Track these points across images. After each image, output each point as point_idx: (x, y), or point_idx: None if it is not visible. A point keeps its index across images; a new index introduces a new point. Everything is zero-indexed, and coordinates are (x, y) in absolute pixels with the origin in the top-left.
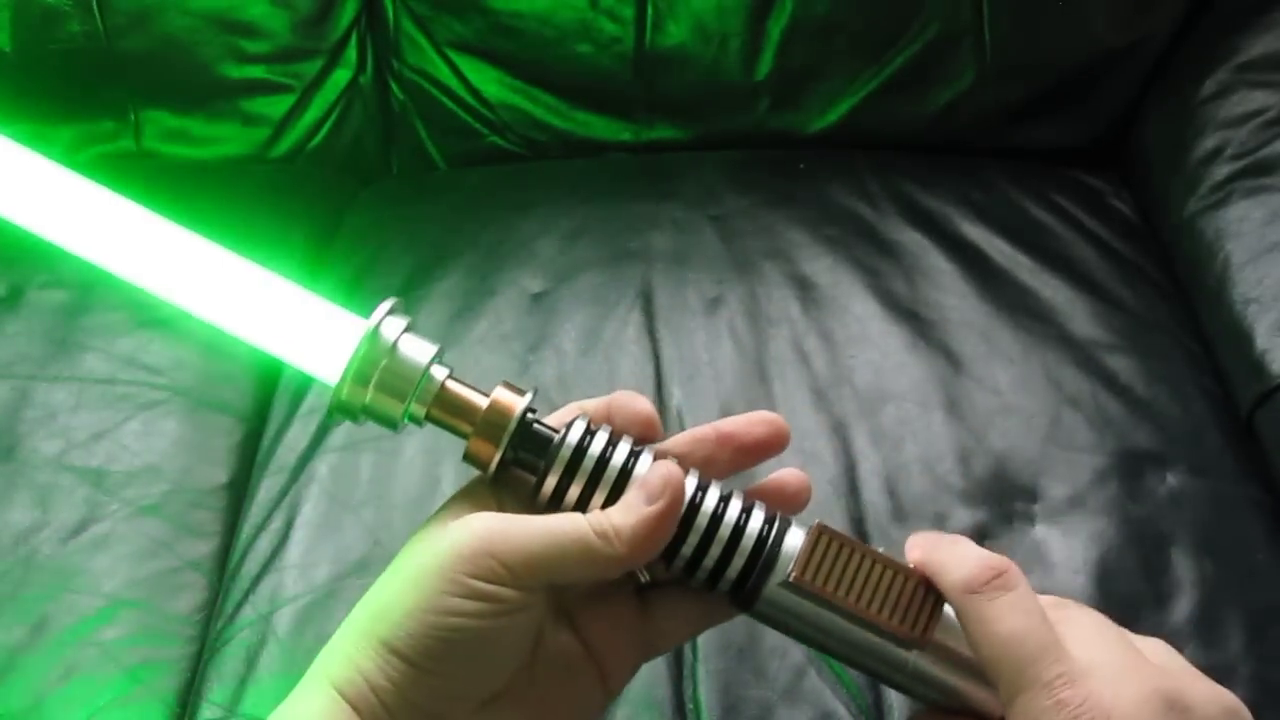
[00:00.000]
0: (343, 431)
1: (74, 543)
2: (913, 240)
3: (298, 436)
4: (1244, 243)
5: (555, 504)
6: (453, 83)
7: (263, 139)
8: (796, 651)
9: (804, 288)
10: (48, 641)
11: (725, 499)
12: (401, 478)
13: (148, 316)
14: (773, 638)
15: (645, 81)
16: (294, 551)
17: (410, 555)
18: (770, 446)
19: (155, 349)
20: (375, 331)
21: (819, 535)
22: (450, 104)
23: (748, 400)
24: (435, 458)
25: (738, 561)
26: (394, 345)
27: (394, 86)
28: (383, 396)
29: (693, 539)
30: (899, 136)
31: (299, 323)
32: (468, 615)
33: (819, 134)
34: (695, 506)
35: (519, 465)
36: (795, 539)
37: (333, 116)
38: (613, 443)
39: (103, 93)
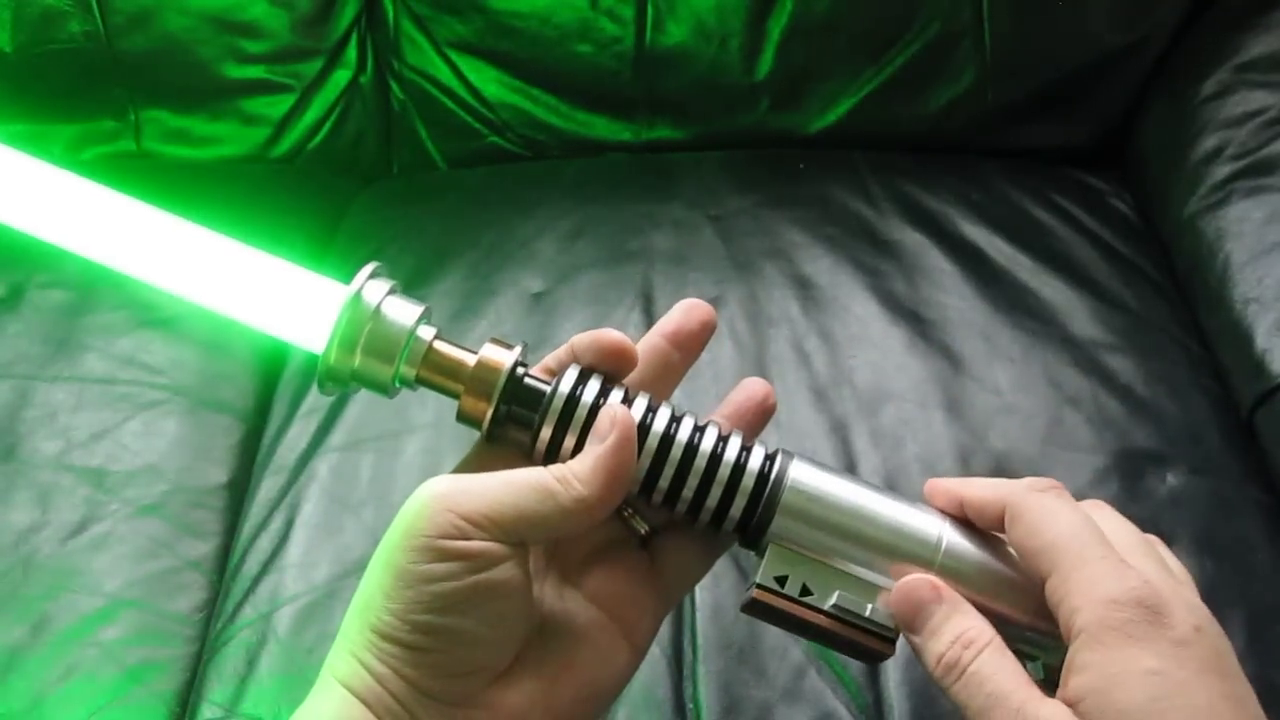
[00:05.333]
0: (343, 431)
1: (74, 543)
2: (913, 240)
3: (298, 436)
4: (1244, 243)
5: (552, 457)
6: (453, 83)
7: (263, 139)
8: (796, 651)
9: (804, 288)
10: (48, 641)
11: (723, 438)
12: (401, 478)
13: (148, 316)
14: (773, 638)
15: (645, 81)
16: (294, 551)
17: (384, 538)
18: (709, 325)
19: (155, 349)
20: (358, 296)
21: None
22: (450, 104)
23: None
24: (435, 458)
25: (740, 500)
26: (378, 308)
27: (394, 86)
28: (371, 360)
29: (692, 481)
30: (899, 136)
31: (283, 294)
32: (444, 579)
33: (819, 134)
34: (693, 449)
35: (514, 421)
36: (798, 471)
37: (333, 116)
38: (605, 391)
39: (103, 93)
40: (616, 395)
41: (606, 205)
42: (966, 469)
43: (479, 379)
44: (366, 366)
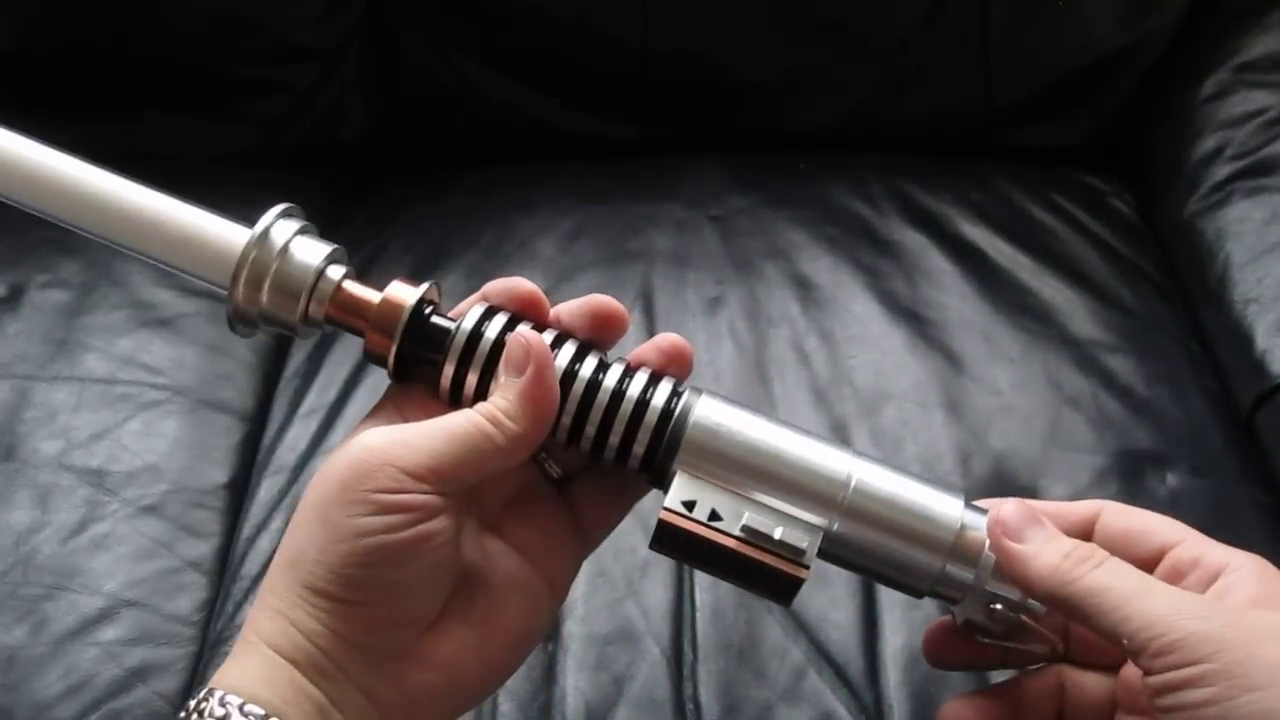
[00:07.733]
0: (343, 431)
1: (74, 543)
2: (913, 240)
3: (298, 436)
4: (1244, 243)
5: (456, 396)
6: (453, 83)
7: (263, 139)
8: (796, 651)
9: (804, 288)
10: (48, 641)
11: (629, 373)
12: None
13: (148, 316)
14: (773, 638)
15: (645, 81)
16: None
17: (311, 491)
18: (619, 327)
19: (155, 349)
20: (265, 234)
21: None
22: (450, 104)
23: (748, 400)
24: None
25: (643, 436)
26: (285, 246)
27: (394, 86)
28: (279, 299)
29: (594, 416)
30: (899, 136)
31: (193, 234)
32: (381, 531)
33: (819, 134)
34: (596, 384)
35: (420, 360)
36: (705, 407)
37: (333, 116)
38: (510, 328)
39: (102, 92)
40: (524, 327)
41: (606, 205)
42: (966, 469)
43: (384, 316)
44: (274, 305)
